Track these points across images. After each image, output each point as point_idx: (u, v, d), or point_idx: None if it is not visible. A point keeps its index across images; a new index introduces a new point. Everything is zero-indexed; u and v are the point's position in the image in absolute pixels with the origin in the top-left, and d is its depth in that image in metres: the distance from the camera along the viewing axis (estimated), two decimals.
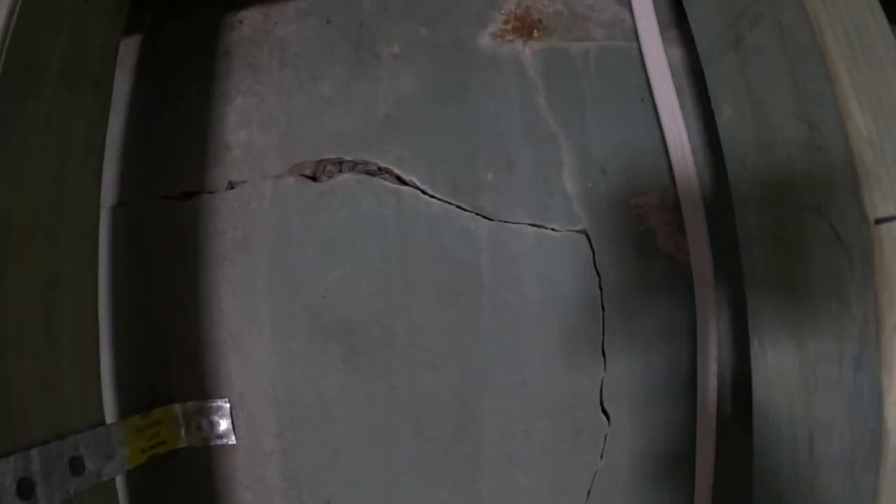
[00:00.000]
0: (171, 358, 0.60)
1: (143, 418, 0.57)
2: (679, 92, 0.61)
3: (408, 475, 0.59)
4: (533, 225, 0.59)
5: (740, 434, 0.58)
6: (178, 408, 0.60)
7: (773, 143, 0.50)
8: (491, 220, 0.59)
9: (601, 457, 0.60)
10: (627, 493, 0.61)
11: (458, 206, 0.59)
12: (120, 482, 0.61)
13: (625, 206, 0.61)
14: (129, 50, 0.65)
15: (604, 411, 0.59)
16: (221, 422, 0.60)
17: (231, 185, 0.61)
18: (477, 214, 0.59)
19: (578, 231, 0.60)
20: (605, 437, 0.59)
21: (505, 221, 0.59)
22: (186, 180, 0.62)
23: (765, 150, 0.51)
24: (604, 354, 0.59)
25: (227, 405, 0.59)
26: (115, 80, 0.57)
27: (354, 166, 0.61)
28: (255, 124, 0.62)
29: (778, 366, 0.53)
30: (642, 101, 0.62)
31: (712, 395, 0.58)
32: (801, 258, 0.49)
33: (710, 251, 0.60)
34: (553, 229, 0.59)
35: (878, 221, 0.43)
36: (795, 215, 0.49)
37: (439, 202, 0.59)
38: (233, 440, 0.59)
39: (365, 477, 0.59)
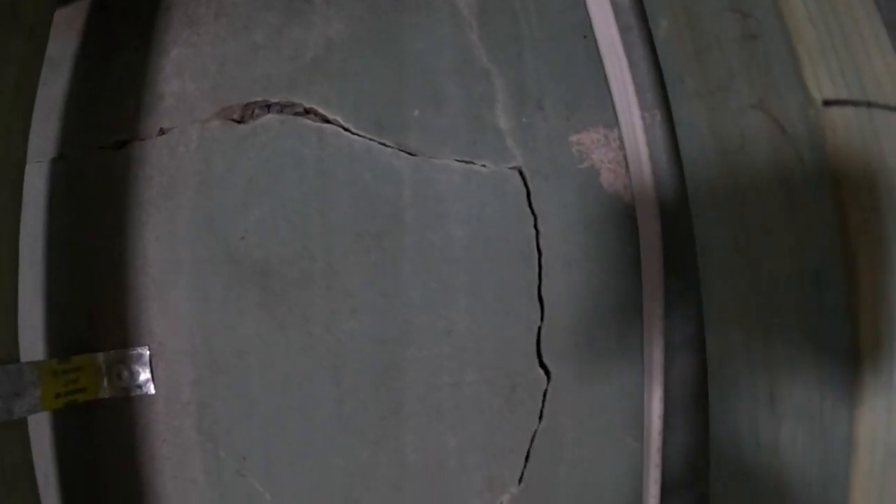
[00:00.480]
0: (97, 306, 0.59)
1: (61, 363, 0.56)
2: (626, 29, 0.57)
3: (326, 431, 0.55)
4: (461, 161, 0.55)
5: (694, 385, 0.51)
6: (100, 357, 0.59)
7: (708, 46, 0.45)
8: (415, 156, 0.55)
9: (540, 417, 0.53)
10: (574, 462, 0.54)
11: (382, 143, 0.56)
12: (40, 430, 0.59)
13: (564, 143, 0.56)
14: (77, 13, 0.67)
15: (542, 365, 0.53)
16: (141, 371, 0.58)
17: (162, 132, 0.60)
18: (401, 151, 0.55)
19: (512, 168, 0.55)
20: (545, 395, 0.53)
21: (431, 158, 0.56)
22: (121, 130, 0.62)
23: (701, 56, 0.46)
24: (541, 301, 0.54)
25: (147, 353, 0.57)
26: (63, 42, 0.59)
27: (282, 109, 0.59)
28: (189, 74, 0.62)
29: (727, 298, 0.46)
30: (585, 37, 0.58)
31: (659, 343, 0.51)
32: (746, 165, 0.43)
33: (655, 189, 0.54)
34: (483, 166, 0.55)
35: (827, 104, 0.37)
36: (735, 119, 0.43)
37: (362, 139, 0.56)
38: (152, 390, 0.57)
39: (281, 432, 0.55)
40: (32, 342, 0.59)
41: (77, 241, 0.61)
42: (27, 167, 0.56)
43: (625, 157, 0.55)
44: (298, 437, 0.55)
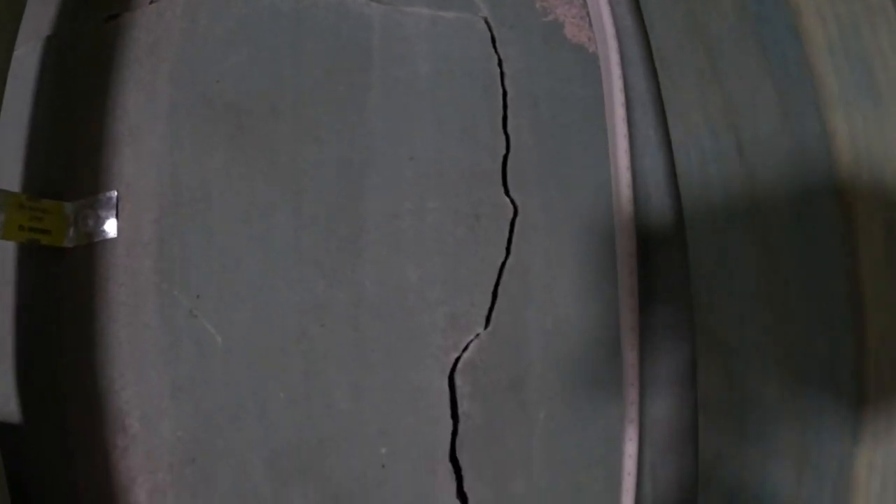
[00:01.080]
0: (72, 154, 0.60)
1: (30, 199, 0.56)
2: None
3: (282, 264, 0.53)
4: (429, 8, 0.57)
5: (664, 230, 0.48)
6: (68, 206, 0.59)
7: None
8: (385, 4, 0.57)
9: (507, 251, 0.50)
10: (545, 306, 0.50)
11: None
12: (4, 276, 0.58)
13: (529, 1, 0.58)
14: None
15: (508, 196, 0.51)
16: (107, 216, 0.57)
17: (152, 1, 0.64)
18: (372, 1, 0.58)
19: (478, 17, 0.57)
20: (512, 226, 0.51)
21: (400, 7, 0.57)
22: (113, 4, 0.66)
23: None
24: (507, 134, 0.53)
25: (115, 196, 0.57)
26: None
27: None
28: None
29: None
30: None
31: (626, 191, 0.49)
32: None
33: (616, 41, 0.54)
34: (451, 14, 0.57)
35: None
36: None
37: None
38: (114, 233, 0.56)
39: (237, 265, 0.53)
40: (9, 184, 0.60)
41: (63, 103, 0.63)
42: (21, 48, 0.60)
43: (587, 13, 0.57)
44: (253, 271, 0.52)
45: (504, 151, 0.52)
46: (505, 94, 0.54)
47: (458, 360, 0.50)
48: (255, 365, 0.53)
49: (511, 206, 0.51)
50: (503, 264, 0.50)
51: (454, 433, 0.51)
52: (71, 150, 0.60)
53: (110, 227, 0.57)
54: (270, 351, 0.53)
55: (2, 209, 0.53)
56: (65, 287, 0.58)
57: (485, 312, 0.50)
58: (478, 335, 0.50)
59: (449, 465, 0.51)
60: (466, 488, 0.52)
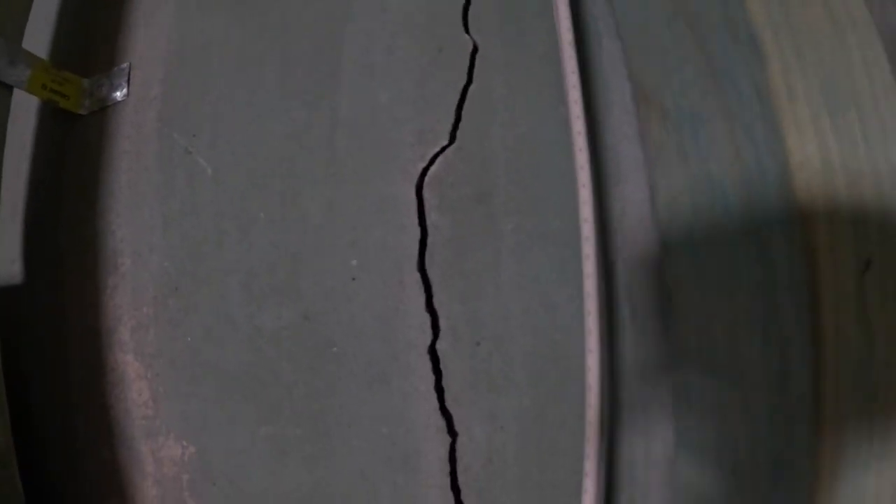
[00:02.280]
0: (94, 35, 0.68)
1: (54, 66, 0.64)
2: None
3: (269, 99, 0.58)
4: None
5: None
6: (85, 81, 0.66)
7: None
8: None
9: (469, 77, 0.55)
10: (508, 124, 0.53)
11: None
12: (24, 138, 0.65)
13: None
14: None
15: (469, 34, 0.56)
16: (120, 84, 0.64)
17: None
18: None
19: None
20: (473, 58, 0.55)
21: None
22: None
23: None
24: None
25: (128, 66, 0.64)
26: None
27: None
28: None
29: None
30: None
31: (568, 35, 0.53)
32: None
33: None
34: None
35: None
36: None
37: None
38: (125, 95, 0.63)
39: (229, 106, 0.59)
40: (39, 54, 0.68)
41: None
42: None
43: None
44: (243, 109, 0.58)
45: (464, 1, 0.58)
46: None
47: (425, 171, 0.53)
48: (240, 191, 0.57)
49: (471, 42, 0.56)
50: (465, 88, 0.54)
51: (423, 244, 0.52)
52: (92, 29, 0.69)
53: (121, 92, 0.64)
54: (255, 176, 0.57)
55: (29, 66, 0.60)
56: (76, 149, 0.64)
57: (449, 128, 0.54)
58: (444, 148, 0.53)
59: (418, 277, 0.52)
60: (436, 303, 0.52)
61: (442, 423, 0.51)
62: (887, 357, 0.28)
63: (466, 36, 0.56)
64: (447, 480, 0.51)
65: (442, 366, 0.52)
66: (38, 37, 0.69)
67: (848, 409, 0.28)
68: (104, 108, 0.64)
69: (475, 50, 0.56)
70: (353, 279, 0.53)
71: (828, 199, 0.29)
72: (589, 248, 0.44)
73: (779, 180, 0.29)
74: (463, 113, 0.54)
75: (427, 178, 0.53)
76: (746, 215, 0.35)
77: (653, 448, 0.45)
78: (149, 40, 0.65)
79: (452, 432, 0.51)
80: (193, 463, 0.57)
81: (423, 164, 0.53)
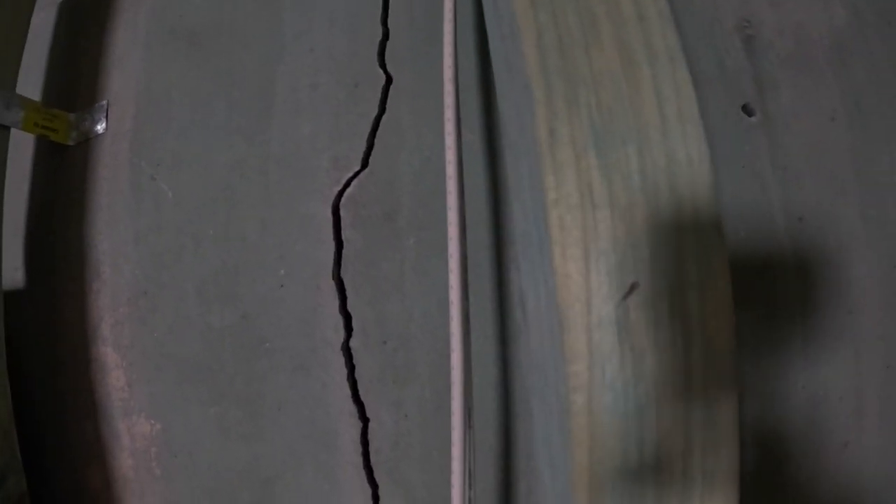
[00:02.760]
0: (76, 77, 0.79)
1: (44, 106, 0.75)
2: None
3: (217, 134, 0.68)
4: None
5: None
6: (72, 115, 0.78)
7: None
8: None
9: (382, 108, 0.63)
10: (415, 150, 0.61)
11: None
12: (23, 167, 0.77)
13: None
14: None
15: (383, 68, 0.64)
16: (100, 119, 0.76)
17: None
18: None
19: None
20: (385, 90, 0.63)
21: None
22: None
23: None
24: (385, 27, 0.67)
25: (105, 103, 0.76)
26: None
27: None
28: None
29: None
30: None
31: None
32: None
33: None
34: None
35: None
36: None
37: None
38: (103, 129, 0.74)
39: (186, 140, 0.70)
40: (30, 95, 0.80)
41: (70, 41, 0.84)
42: (38, 14, 0.83)
43: None
44: (197, 143, 0.68)
45: (381, 38, 0.66)
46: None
47: (340, 193, 0.62)
48: (194, 212, 0.67)
49: (384, 76, 0.64)
50: (378, 118, 0.63)
51: (338, 256, 0.61)
52: (75, 73, 0.81)
53: (101, 126, 0.75)
54: (205, 200, 0.67)
55: (23, 108, 0.72)
56: (66, 174, 0.76)
57: (361, 155, 0.62)
58: (357, 173, 0.62)
59: (333, 284, 0.62)
60: (349, 306, 0.61)
61: (354, 409, 0.61)
62: (655, 376, 0.35)
63: (380, 70, 0.64)
64: (360, 460, 0.61)
65: (354, 360, 0.61)
66: (29, 78, 0.81)
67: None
68: (87, 140, 0.75)
69: (388, 82, 0.64)
70: (282, 286, 0.63)
71: (583, 231, 0.36)
72: (453, 264, 0.52)
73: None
74: (375, 140, 0.63)
75: (343, 199, 0.62)
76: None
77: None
78: (122, 81, 0.76)
79: (364, 418, 0.61)
80: (159, 438, 0.69)
81: (339, 188, 0.62)
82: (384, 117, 0.63)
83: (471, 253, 0.58)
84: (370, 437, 0.61)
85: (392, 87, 0.64)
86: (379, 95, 0.64)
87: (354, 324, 0.61)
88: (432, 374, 0.60)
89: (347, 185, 0.62)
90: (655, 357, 0.36)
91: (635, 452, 0.36)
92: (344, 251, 0.62)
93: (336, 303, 0.61)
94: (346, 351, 0.61)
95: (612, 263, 0.37)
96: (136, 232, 0.70)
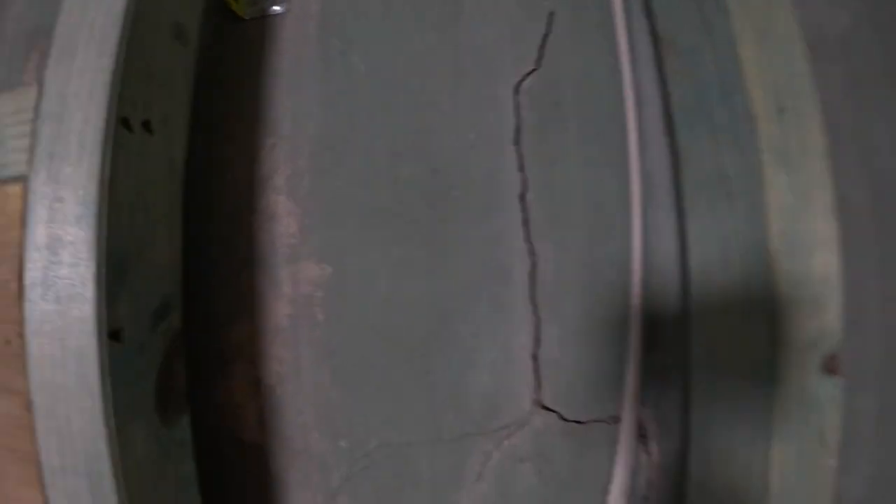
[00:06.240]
0: None
1: None
2: None
3: (406, 25, 0.79)
4: None
5: None
6: None
7: None
8: None
9: (550, 19, 0.81)
10: (577, 53, 0.79)
11: None
12: None
13: None
14: None
15: None
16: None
17: None
18: None
19: None
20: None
21: None
22: None
23: None
24: None
25: None
26: None
27: None
28: None
29: None
30: None
31: None
32: None
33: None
34: None
35: None
36: None
37: None
38: (280, 10, 0.81)
39: (377, 22, 0.80)
40: None
41: None
42: None
43: None
44: (388, 30, 0.79)
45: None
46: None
47: (519, 84, 0.77)
48: (386, 83, 0.77)
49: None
50: (549, 24, 0.80)
51: (517, 129, 0.75)
52: None
53: (278, 6, 0.82)
54: (397, 75, 0.78)
55: None
56: (241, 45, 0.81)
57: (535, 56, 0.78)
58: (531, 71, 0.78)
59: (514, 149, 0.75)
60: (525, 168, 0.75)
61: (526, 249, 0.73)
62: None
63: None
64: (529, 293, 0.72)
65: (528, 209, 0.74)
66: None
67: None
68: (264, 17, 0.81)
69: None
70: (472, 147, 0.75)
71: None
72: None
73: None
74: (547, 44, 0.80)
75: (520, 88, 0.78)
76: None
77: None
78: None
79: (533, 257, 0.73)
80: (329, 281, 0.74)
81: (518, 79, 0.77)
82: (554, 23, 0.80)
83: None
84: (537, 275, 0.73)
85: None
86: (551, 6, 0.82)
87: (529, 181, 0.74)
88: (589, 224, 0.75)
89: (524, 79, 0.78)
90: None
91: None
92: (521, 126, 0.76)
93: (516, 164, 0.75)
94: (522, 201, 0.74)
95: None
96: (324, 95, 0.77)
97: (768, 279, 0.61)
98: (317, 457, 0.75)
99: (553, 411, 0.72)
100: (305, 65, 0.79)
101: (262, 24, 0.82)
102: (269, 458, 0.76)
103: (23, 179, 0.62)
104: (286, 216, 0.75)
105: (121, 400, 0.57)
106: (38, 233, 0.59)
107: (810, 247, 0.59)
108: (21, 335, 0.60)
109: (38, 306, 0.57)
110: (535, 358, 0.72)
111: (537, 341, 0.72)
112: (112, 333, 0.57)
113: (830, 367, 0.58)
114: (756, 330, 0.61)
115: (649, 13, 0.77)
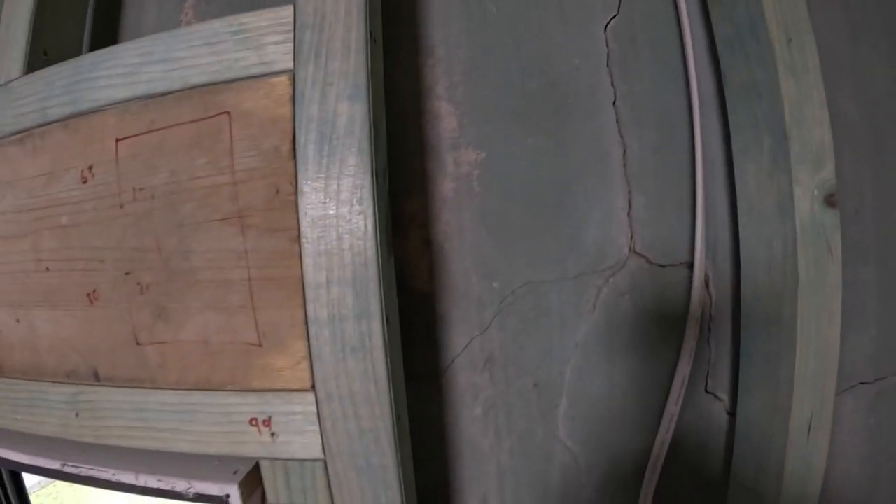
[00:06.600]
0: None
1: None
2: None
3: None
4: None
5: None
6: None
7: None
8: None
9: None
10: (649, 3, 1.09)
11: None
12: None
13: None
14: None
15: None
16: None
17: None
18: None
19: None
20: None
21: None
22: None
23: None
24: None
25: None
26: None
27: None
28: None
29: None
30: None
31: None
32: None
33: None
34: None
35: None
36: None
37: None
38: None
39: None
40: None
41: None
42: None
43: None
44: None
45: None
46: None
47: (606, 24, 1.05)
48: (513, 21, 1.04)
49: None
50: None
51: (608, 57, 1.04)
52: None
53: None
54: (521, 16, 1.04)
55: None
56: None
57: (617, 4, 1.07)
58: (614, 16, 1.06)
59: (608, 70, 1.04)
60: (615, 84, 1.04)
61: (620, 140, 1.02)
62: None
63: None
64: (623, 171, 1.01)
65: (619, 112, 1.03)
66: None
67: None
68: None
69: None
70: (577, 69, 1.02)
71: None
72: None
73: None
74: None
75: (607, 28, 1.06)
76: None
77: None
78: None
79: (625, 145, 1.02)
80: (483, 163, 0.99)
81: (606, 21, 1.05)
82: None
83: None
84: (627, 158, 1.02)
85: None
86: None
87: (618, 92, 1.03)
88: (660, 123, 1.05)
89: (610, 20, 1.06)
90: None
91: None
92: (610, 55, 1.04)
93: (609, 80, 1.03)
94: (614, 106, 1.02)
95: None
96: (468, 29, 1.02)
97: (786, 144, 0.93)
98: (475, 297, 1.00)
99: (643, 256, 1.02)
100: (451, 8, 1.03)
101: None
102: (437, 301, 1.00)
103: (289, 72, 0.83)
104: (447, 116, 0.99)
105: (383, 222, 0.80)
106: (311, 109, 0.80)
107: (811, 124, 0.92)
108: (292, 182, 0.82)
109: (309, 158, 0.78)
110: (629, 216, 1.01)
111: (630, 205, 1.01)
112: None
113: (830, 202, 0.91)
114: (781, 177, 0.93)
115: None
